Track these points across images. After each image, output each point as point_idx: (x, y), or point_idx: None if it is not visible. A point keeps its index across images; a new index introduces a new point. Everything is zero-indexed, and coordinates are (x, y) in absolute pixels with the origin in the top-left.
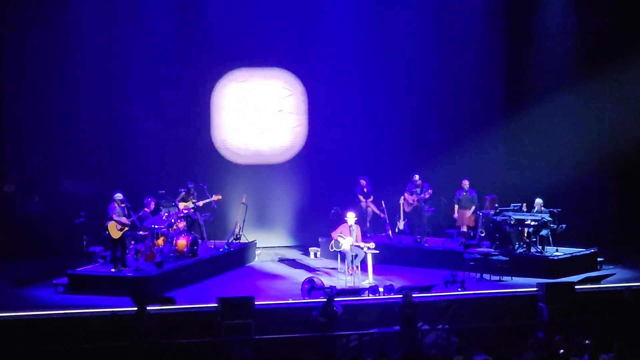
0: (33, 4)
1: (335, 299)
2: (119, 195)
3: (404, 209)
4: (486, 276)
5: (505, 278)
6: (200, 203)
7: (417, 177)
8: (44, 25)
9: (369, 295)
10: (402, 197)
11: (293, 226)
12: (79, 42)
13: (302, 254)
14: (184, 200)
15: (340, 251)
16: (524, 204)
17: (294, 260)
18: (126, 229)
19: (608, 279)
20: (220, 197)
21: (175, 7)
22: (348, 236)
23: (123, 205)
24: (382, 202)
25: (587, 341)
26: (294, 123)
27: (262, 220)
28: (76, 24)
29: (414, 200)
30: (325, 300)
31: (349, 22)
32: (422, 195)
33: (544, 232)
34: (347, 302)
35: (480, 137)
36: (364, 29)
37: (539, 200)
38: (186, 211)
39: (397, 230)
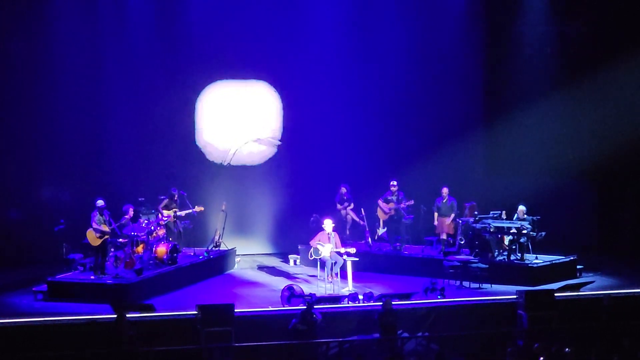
0: (14, 12)
1: (315, 307)
2: (100, 202)
3: (380, 217)
4: (466, 284)
5: (484, 285)
6: (183, 213)
7: (394, 182)
8: (25, 33)
9: (348, 303)
10: (378, 205)
11: (273, 234)
12: (61, 50)
13: (282, 261)
14: (167, 207)
15: (319, 258)
16: (504, 212)
17: (273, 267)
18: (106, 236)
19: (587, 286)
20: (202, 208)
21: (156, 16)
22: (327, 243)
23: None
24: (362, 209)
25: (567, 349)
26: (275, 130)
27: (242, 228)
28: (59, 32)
29: (390, 209)
30: (304, 307)
31: (328, 29)
32: (400, 205)
33: (523, 240)
34: (326, 310)
35: (460, 145)
36: (343, 36)
37: (522, 207)
38: (166, 219)
39: (376, 238)
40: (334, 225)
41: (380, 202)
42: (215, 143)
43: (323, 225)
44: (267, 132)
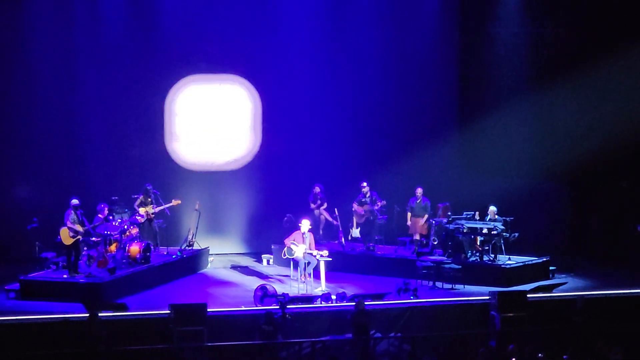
0: None
1: (288, 307)
2: (75, 201)
3: (356, 220)
4: (439, 284)
5: (457, 286)
6: (157, 209)
7: (364, 184)
8: None
9: (321, 303)
10: (353, 209)
11: (246, 233)
12: (34, 48)
13: (255, 261)
14: (144, 203)
15: (293, 258)
16: (477, 213)
17: (246, 267)
18: (79, 237)
19: (560, 287)
20: (179, 201)
21: (130, 13)
22: (301, 243)
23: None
24: (335, 209)
25: (540, 355)
26: (248, 130)
27: (215, 227)
28: (31, 29)
29: (364, 212)
30: (270, 308)
31: (303, 30)
32: (374, 207)
33: (495, 241)
34: (299, 310)
35: (434, 146)
36: (318, 37)
37: (492, 208)
38: (140, 218)
39: (349, 238)
40: (311, 226)
41: (355, 205)
42: (190, 148)
43: (300, 225)
44: (242, 149)
